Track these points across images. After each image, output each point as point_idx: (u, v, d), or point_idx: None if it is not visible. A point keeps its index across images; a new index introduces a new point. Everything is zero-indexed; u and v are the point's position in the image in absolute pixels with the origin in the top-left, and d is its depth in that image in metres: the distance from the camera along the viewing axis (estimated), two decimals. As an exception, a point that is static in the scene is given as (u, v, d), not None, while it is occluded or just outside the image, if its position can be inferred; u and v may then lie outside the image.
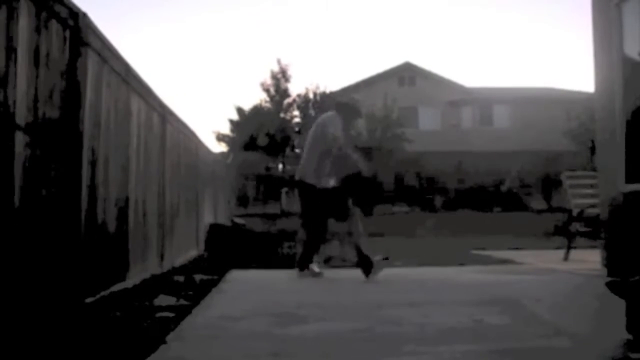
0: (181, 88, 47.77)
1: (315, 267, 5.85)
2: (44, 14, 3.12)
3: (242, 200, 23.64)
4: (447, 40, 49.73)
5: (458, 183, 26.66)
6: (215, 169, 11.95)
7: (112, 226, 4.45)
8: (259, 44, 48.44)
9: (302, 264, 5.79)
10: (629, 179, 5.49)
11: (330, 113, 5.96)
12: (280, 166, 27.44)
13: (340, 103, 6.10)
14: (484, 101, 30.51)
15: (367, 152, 23.65)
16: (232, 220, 12.12)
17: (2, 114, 2.68)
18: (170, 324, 3.32)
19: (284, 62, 27.48)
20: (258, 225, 12.75)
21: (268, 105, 27.63)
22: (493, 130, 29.75)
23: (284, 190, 25.39)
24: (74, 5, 3.52)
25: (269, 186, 25.84)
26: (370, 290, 4.96)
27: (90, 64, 3.83)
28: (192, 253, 8.31)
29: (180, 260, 7.18)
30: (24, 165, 2.90)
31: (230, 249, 7.96)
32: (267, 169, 26.37)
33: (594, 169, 6.78)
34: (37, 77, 3.05)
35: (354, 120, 6.17)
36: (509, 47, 51.56)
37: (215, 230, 8.82)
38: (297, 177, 5.97)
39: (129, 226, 4.95)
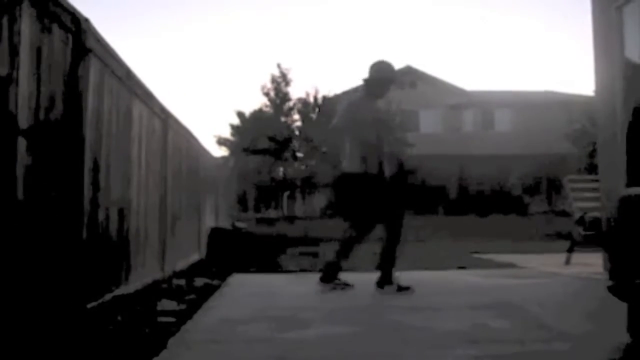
0: (182, 92, 47.86)
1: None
2: (46, 19, 3.14)
3: (244, 204, 23.67)
4: (448, 43, 49.81)
5: (459, 187, 26.66)
6: (217, 173, 11.96)
7: (113, 231, 4.45)
8: (260, 48, 48.55)
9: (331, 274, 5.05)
10: (630, 183, 5.49)
11: (355, 95, 5.34)
12: (281, 170, 27.46)
13: (365, 79, 5.27)
14: (485, 105, 30.54)
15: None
16: (233, 224, 12.12)
17: (4, 119, 2.70)
18: (172, 329, 3.33)
19: (284, 66, 27.59)
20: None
21: (268, 109, 27.71)
22: (494, 134, 29.77)
23: (286, 194, 25.42)
24: (76, 10, 3.54)
25: (271, 190, 25.86)
26: (371, 294, 4.96)
27: (92, 69, 3.85)
28: (194, 257, 8.31)
29: (181, 264, 7.18)
30: (26, 169, 2.91)
31: (231, 252, 7.97)
32: (269, 173, 26.39)
33: (595, 172, 6.78)
34: (39, 82, 3.06)
35: (385, 89, 5.29)
36: (510, 51, 51.61)
37: (216, 234, 8.83)
38: (342, 171, 5.11)
39: (131, 231, 4.95)
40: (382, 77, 5.24)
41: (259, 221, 17.72)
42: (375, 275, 5.12)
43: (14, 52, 2.77)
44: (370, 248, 5.56)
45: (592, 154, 17.43)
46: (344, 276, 5.12)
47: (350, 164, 5.07)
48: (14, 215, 2.79)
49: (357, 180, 5.05)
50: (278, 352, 2.78)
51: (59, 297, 3.35)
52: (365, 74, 5.28)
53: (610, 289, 2.89)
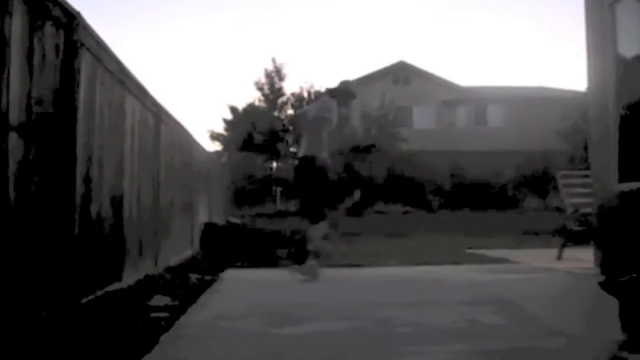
0: (175, 87, 47.67)
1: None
2: (37, 14, 3.11)
3: (237, 200, 23.62)
4: (442, 39, 49.84)
5: (453, 182, 26.70)
6: (210, 168, 11.93)
7: (106, 226, 4.44)
8: (252, 42, 48.42)
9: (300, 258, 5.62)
10: (622, 178, 5.51)
11: (326, 98, 6.15)
12: (275, 165, 27.43)
13: (333, 89, 6.19)
14: (478, 100, 30.61)
15: (364, 151, 23.74)
16: (227, 220, 12.10)
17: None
18: (165, 324, 3.32)
19: (278, 60, 27.53)
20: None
21: (262, 104, 27.64)
22: (487, 130, 29.86)
23: (279, 189, 25.39)
24: (68, 5, 3.51)
25: (264, 185, 25.83)
26: (365, 290, 4.97)
27: (84, 63, 3.82)
28: (187, 253, 8.30)
29: (175, 260, 7.16)
30: (18, 165, 2.89)
31: (225, 248, 7.95)
32: (262, 168, 26.35)
33: (587, 168, 6.81)
34: (30, 77, 3.04)
35: (349, 102, 6.14)
36: (504, 47, 51.69)
37: (210, 229, 8.81)
38: (307, 155, 5.75)
39: (124, 226, 4.94)
40: (348, 89, 6.13)
41: (253, 217, 17.68)
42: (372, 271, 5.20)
43: (4, 46, 2.74)
44: (371, 245, 5.60)
45: (585, 152, 17.54)
46: (341, 273, 5.20)
47: (321, 152, 5.68)
48: (5, 211, 2.77)
49: (324, 167, 5.65)
50: (272, 348, 2.78)
51: (52, 291, 3.33)
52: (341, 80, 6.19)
53: (601, 284, 2.89)
